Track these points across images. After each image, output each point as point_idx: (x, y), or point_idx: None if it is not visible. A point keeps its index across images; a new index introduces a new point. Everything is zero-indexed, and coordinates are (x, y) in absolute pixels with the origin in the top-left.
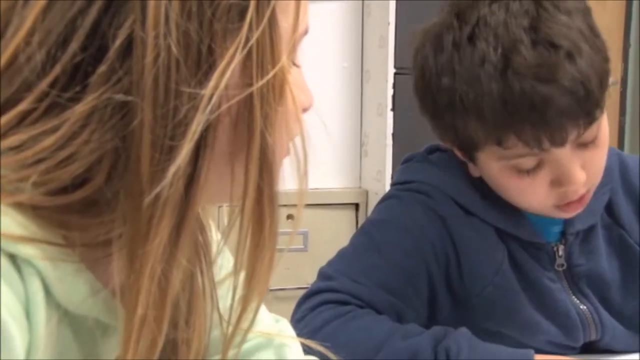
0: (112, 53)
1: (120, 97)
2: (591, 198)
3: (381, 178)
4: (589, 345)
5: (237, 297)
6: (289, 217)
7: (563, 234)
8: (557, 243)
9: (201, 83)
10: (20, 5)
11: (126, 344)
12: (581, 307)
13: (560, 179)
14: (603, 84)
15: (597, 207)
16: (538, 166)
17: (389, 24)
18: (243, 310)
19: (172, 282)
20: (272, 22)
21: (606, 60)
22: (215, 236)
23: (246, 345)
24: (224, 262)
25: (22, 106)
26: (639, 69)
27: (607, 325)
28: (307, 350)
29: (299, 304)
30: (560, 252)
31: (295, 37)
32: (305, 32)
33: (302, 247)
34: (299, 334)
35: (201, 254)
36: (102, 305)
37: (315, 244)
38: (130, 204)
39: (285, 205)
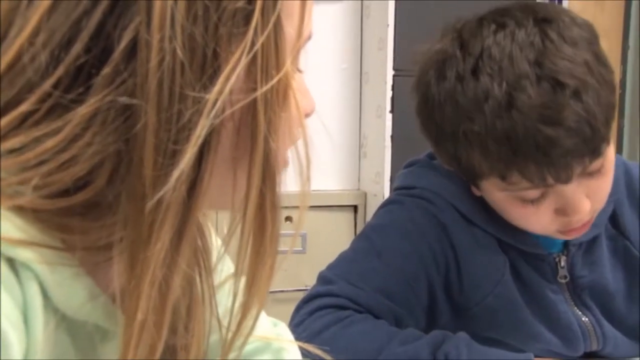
0: (116, 55)
1: (124, 99)
2: None
3: (380, 180)
4: (589, 354)
5: (238, 303)
6: (287, 219)
7: (565, 245)
8: (559, 254)
9: (206, 87)
10: (24, 6)
11: (125, 349)
12: (583, 319)
13: (565, 208)
14: (609, 118)
15: (601, 218)
16: (542, 196)
17: (387, 25)
18: (243, 316)
19: (173, 288)
20: (278, 27)
21: (612, 90)
22: (215, 242)
23: (244, 349)
24: (224, 268)
25: (24, 107)
26: (638, 71)
27: (608, 337)
28: (306, 354)
29: (298, 308)
30: (563, 263)
31: (299, 42)
32: (309, 37)
33: (301, 249)
34: (298, 338)
35: (200, 259)
36: (101, 310)
37: (313, 246)
38: (132, 207)
39: (285, 207)
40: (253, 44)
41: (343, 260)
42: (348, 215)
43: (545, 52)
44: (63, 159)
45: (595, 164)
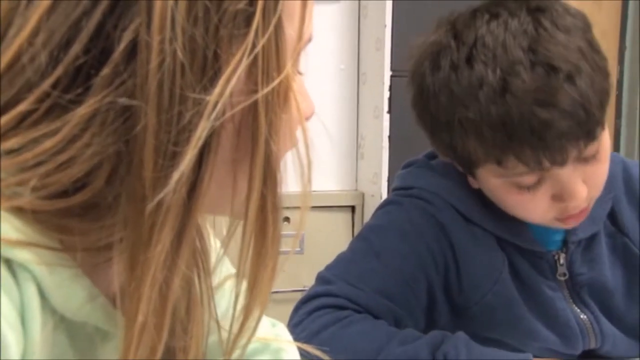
0: (116, 56)
1: (123, 100)
2: (594, 206)
3: (377, 180)
4: (588, 352)
5: (239, 306)
6: (286, 219)
7: (564, 242)
8: (558, 251)
9: (206, 89)
10: (23, 6)
11: (126, 351)
12: (581, 316)
13: (562, 194)
14: (603, 102)
15: (599, 215)
16: (539, 182)
17: (385, 26)
18: (245, 318)
19: (173, 289)
20: (279, 28)
21: (606, 76)
22: (214, 244)
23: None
24: (223, 270)
25: (22, 107)
26: (636, 71)
27: (607, 334)
28: (304, 354)
29: (297, 308)
30: (562, 261)
31: (300, 44)
32: (310, 39)
33: (299, 249)
34: (297, 339)
35: (199, 260)
36: (100, 312)
37: (311, 247)
38: (132, 209)
39: (284, 208)
40: (254, 45)
41: (341, 261)
42: (346, 216)
43: (539, 39)
44: (61, 160)
45: (591, 149)
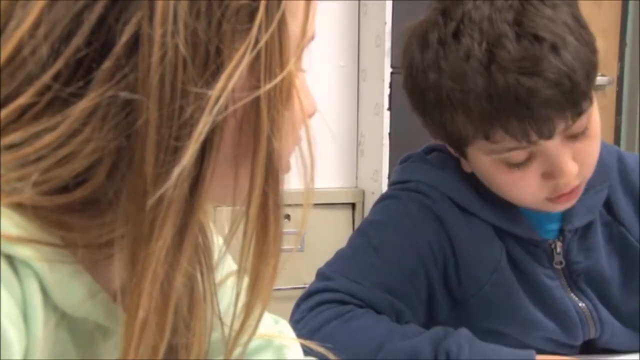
0: (117, 49)
1: (125, 94)
2: (589, 194)
3: (378, 178)
4: (588, 344)
5: (240, 304)
6: (286, 217)
7: (561, 231)
8: (554, 240)
9: (208, 83)
10: None
11: (127, 349)
12: (580, 304)
13: (552, 171)
14: (590, 75)
15: (595, 204)
16: (528, 159)
17: (385, 23)
18: (247, 316)
19: (175, 286)
20: (282, 25)
21: (593, 51)
22: (216, 241)
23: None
24: (225, 267)
25: (23, 99)
26: (636, 68)
27: (606, 323)
28: (307, 351)
29: (298, 305)
30: (558, 250)
31: (304, 41)
32: (313, 37)
33: (299, 246)
34: (298, 335)
35: (202, 257)
36: (101, 308)
37: (311, 244)
38: (133, 204)
39: (287, 205)
40: (257, 41)
41: (341, 256)
42: (346, 213)
43: (525, 13)
44: (62, 155)
45: (579, 124)
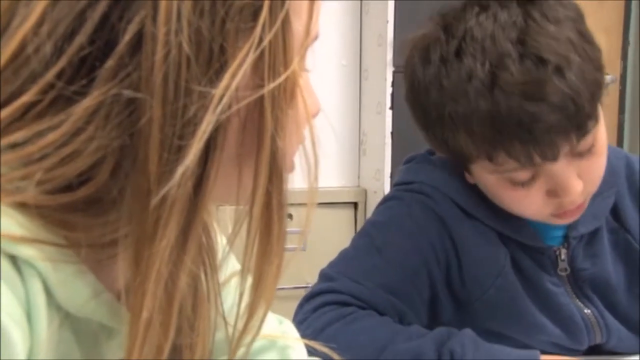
0: (121, 47)
1: (128, 93)
2: (596, 201)
3: (380, 177)
4: (594, 347)
5: (244, 304)
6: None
7: (566, 237)
8: (559, 247)
9: (212, 82)
10: None
11: (131, 349)
12: (585, 311)
13: (556, 189)
14: (595, 95)
15: (601, 211)
16: (533, 178)
17: (387, 22)
18: (250, 316)
19: (179, 286)
20: (286, 24)
21: (599, 68)
22: (220, 240)
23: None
24: (229, 266)
25: (26, 97)
26: (638, 67)
27: (612, 329)
28: (311, 351)
29: (301, 305)
30: (563, 256)
31: (308, 40)
32: (316, 36)
33: (303, 246)
34: (301, 336)
35: (205, 257)
36: (105, 308)
37: (313, 243)
38: (137, 204)
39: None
40: (261, 40)
41: (344, 257)
42: (348, 212)
43: (528, 31)
44: (65, 153)
45: (584, 143)
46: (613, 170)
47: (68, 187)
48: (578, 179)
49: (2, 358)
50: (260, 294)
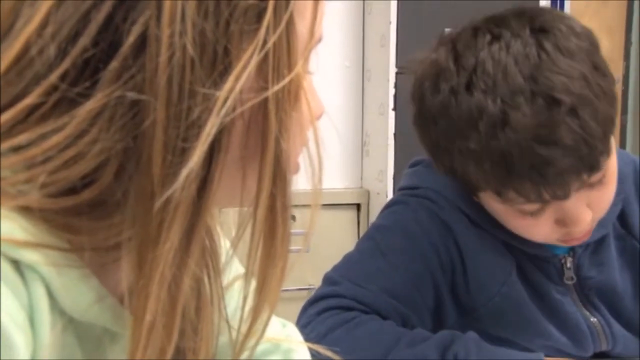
0: (124, 49)
1: (132, 95)
2: None
3: (383, 178)
4: (599, 354)
5: (248, 307)
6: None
7: (572, 246)
8: (565, 255)
9: (216, 84)
10: None
11: (133, 351)
12: (591, 319)
13: (565, 219)
14: (608, 132)
15: (608, 219)
16: (542, 208)
17: (390, 23)
18: (254, 320)
19: (183, 289)
20: (290, 26)
21: (612, 102)
22: (224, 243)
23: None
24: (232, 269)
25: (29, 100)
26: None
27: (618, 337)
28: (315, 355)
29: (304, 309)
30: (569, 265)
31: (312, 42)
32: (320, 39)
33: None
34: (305, 340)
35: (209, 260)
36: (108, 313)
37: (316, 245)
38: (141, 206)
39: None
40: (265, 42)
41: (348, 261)
42: (351, 214)
43: (541, 66)
44: (69, 155)
45: (596, 176)
46: (621, 175)
47: (71, 190)
48: (587, 209)
49: None
50: (264, 297)
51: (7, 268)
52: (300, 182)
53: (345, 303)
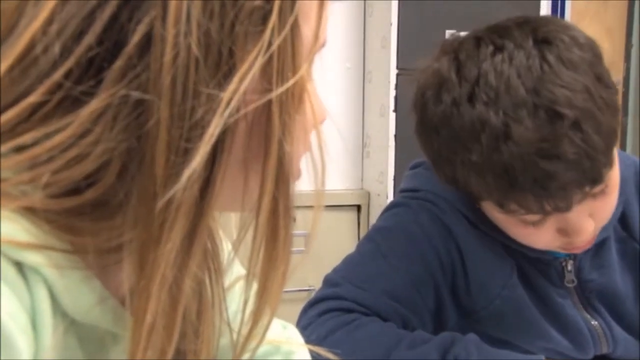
0: (129, 48)
1: (137, 94)
2: None
3: (383, 180)
4: (600, 357)
5: (248, 311)
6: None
7: None
8: (565, 258)
9: (220, 85)
10: None
11: (134, 352)
12: (592, 322)
13: (567, 229)
14: (610, 144)
15: (609, 221)
16: (543, 219)
17: (391, 24)
18: (254, 323)
19: (184, 291)
20: (295, 28)
21: (615, 113)
22: (225, 245)
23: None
24: (234, 271)
25: (33, 98)
26: None
27: (619, 339)
28: (316, 357)
29: (305, 311)
30: (570, 268)
31: (316, 46)
32: (324, 43)
33: (303, 248)
34: (306, 341)
35: (210, 262)
36: (110, 314)
37: (316, 246)
38: (143, 206)
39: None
40: (270, 44)
41: (349, 262)
42: (351, 215)
43: (543, 78)
44: (72, 155)
45: (598, 188)
46: (622, 178)
47: (74, 191)
48: (589, 219)
49: None
50: (265, 300)
51: (10, 270)
52: (300, 183)
53: (346, 305)
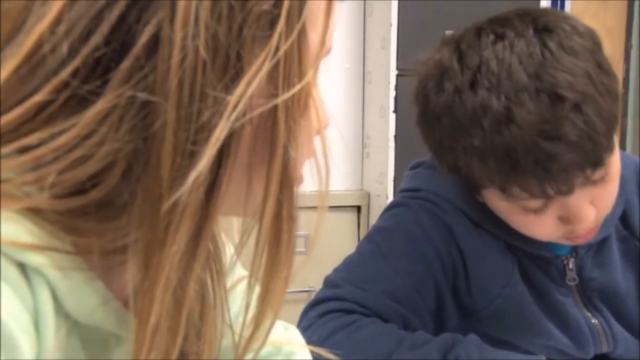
0: (137, 49)
1: (143, 96)
2: None
3: (383, 180)
4: (600, 356)
5: (250, 314)
6: None
7: (574, 247)
8: (567, 256)
9: (227, 88)
10: None
11: (138, 354)
12: (593, 320)
13: (569, 217)
14: (611, 128)
15: (610, 219)
16: (545, 205)
17: (391, 25)
18: (256, 327)
19: (188, 293)
20: (302, 34)
21: (615, 99)
22: (228, 250)
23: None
24: (236, 273)
25: (39, 97)
26: None
27: (619, 338)
28: (317, 358)
29: (305, 312)
30: (571, 266)
31: (323, 52)
32: (330, 50)
33: (303, 249)
34: (306, 343)
35: (212, 264)
36: (113, 316)
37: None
38: (148, 208)
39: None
40: (277, 49)
41: (349, 263)
42: (351, 216)
43: (545, 64)
44: (77, 155)
45: (599, 173)
46: (623, 177)
47: (78, 191)
48: (591, 206)
49: None
50: (267, 304)
51: (13, 271)
52: (302, 185)
53: (347, 306)
